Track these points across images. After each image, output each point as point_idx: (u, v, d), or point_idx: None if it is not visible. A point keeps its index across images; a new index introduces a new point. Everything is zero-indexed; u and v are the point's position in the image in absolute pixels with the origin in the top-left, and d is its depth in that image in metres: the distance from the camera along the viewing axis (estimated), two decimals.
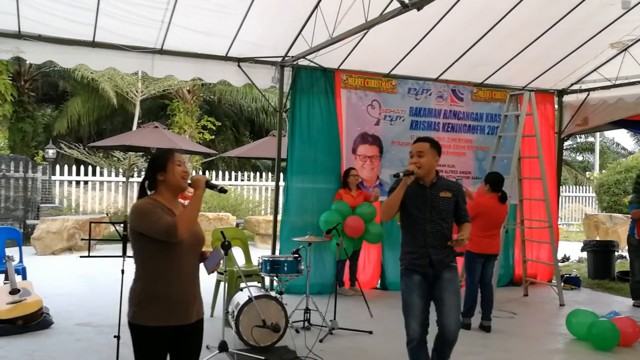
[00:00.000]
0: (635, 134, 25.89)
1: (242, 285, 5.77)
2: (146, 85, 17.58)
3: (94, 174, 15.34)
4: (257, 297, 5.35)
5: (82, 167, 15.39)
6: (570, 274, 9.71)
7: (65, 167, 15.30)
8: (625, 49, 8.59)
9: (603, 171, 21.91)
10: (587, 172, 26.05)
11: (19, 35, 6.93)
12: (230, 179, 17.44)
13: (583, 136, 29.60)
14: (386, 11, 5.73)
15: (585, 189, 22.50)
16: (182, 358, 3.17)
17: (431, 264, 4.20)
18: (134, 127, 17.06)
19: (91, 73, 17.39)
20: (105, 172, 15.55)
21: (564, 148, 31.56)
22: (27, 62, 16.08)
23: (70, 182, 15.19)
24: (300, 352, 5.45)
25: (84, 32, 7.08)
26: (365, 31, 7.46)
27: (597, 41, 8.40)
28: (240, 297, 5.54)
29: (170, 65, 7.69)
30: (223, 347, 5.10)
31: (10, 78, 17.84)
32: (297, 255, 5.92)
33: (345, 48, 7.80)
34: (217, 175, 17.51)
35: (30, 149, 19.57)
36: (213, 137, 21.80)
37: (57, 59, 7.34)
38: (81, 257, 4.24)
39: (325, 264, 8.17)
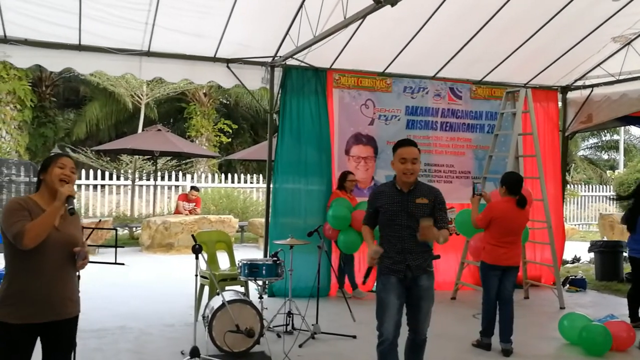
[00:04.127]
0: None
1: (228, 289, 5.69)
2: (151, 88, 17.66)
3: (102, 177, 15.44)
4: (230, 302, 5.24)
5: (90, 171, 15.52)
6: (575, 276, 9.41)
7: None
8: (629, 43, 8.32)
9: (624, 169, 21.42)
10: (609, 171, 25.44)
11: (4, 40, 6.96)
12: (239, 182, 17.42)
13: (608, 134, 28.98)
14: (362, 8, 5.57)
15: (609, 188, 21.97)
16: (53, 356, 3.20)
17: (409, 268, 4.13)
18: (139, 130, 17.15)
19: (107, 79, 17.58)
20: (115, 176, 15.64)
21: (589, 146, 30.99)
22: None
23: (79, 186, 15.31)
24: (277, 358, 5.33)
25: (69, 36, 7.08)
26: (354, 30, 7.39)
27: (598, 35, 8.15)
28: (216, 302, 5.44)
29: (158, 67, 7.64)
30: (194, 352, 5.00)
31: (31, 84, 18.14)
32: (276, 259, 5.79)
33: (336, 47, 7.69)
34: (226, 178, 17.52)
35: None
36: (230, 139, 21.84)
37: (45, 62, 7.35)
38: None
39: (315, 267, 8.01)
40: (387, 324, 4.10)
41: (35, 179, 13.45)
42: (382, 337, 4.13)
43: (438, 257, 4.45)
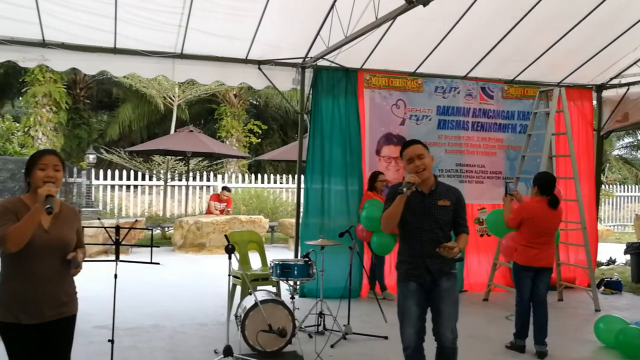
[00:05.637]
0: None
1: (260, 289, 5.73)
2: (182, 90, 17.88)
3: (135, 178, 15.68)
4: (263, 302, 5.28)
5: (124, 172, 15.77)
6: (611, 278, 9.24)
7: (109, 171, 15.72)
8: None
9: None
10: None
11: (43, 44, 7.12)
12: (269, 182, 17.52)
13: None
14: (393, 8, 5.57)
15: None
16: (48, 356, 3.23)
17: (429, 272, 4.03)
18: (171, 131, 17.39)
19: (140, 81, 17.89)
20: (147, 176, 15.88)
21: (624, 146, 30.35)
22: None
23: (113, 186, 15.60)
24: (309, 358, 5.35)
25: (105, 39, 7.22)
26: (384, 30, 7.38)
27: (634, 33, 7.98)
28: (248, 302, 5.49)
29: (190, 69, 7.75)
30: (227, 351, 5.06)
31: (66, 86, 18.60)
32: (307, 259, 5.81)
33: (367, 47, 7.68)
34: (256, 178, 17.63)
35: (86, 155, 20.34)
36: (260, 140, 22.00)
37: (81, 65, 7.52)
38: (101, 261, 4.38)
39: (347, 268, 8.02)
40: (407, 332, 4.08)
41: (70, 180, 13.80)
42: (405, 344, 4.12)
43: (461, 259, 4.33)
